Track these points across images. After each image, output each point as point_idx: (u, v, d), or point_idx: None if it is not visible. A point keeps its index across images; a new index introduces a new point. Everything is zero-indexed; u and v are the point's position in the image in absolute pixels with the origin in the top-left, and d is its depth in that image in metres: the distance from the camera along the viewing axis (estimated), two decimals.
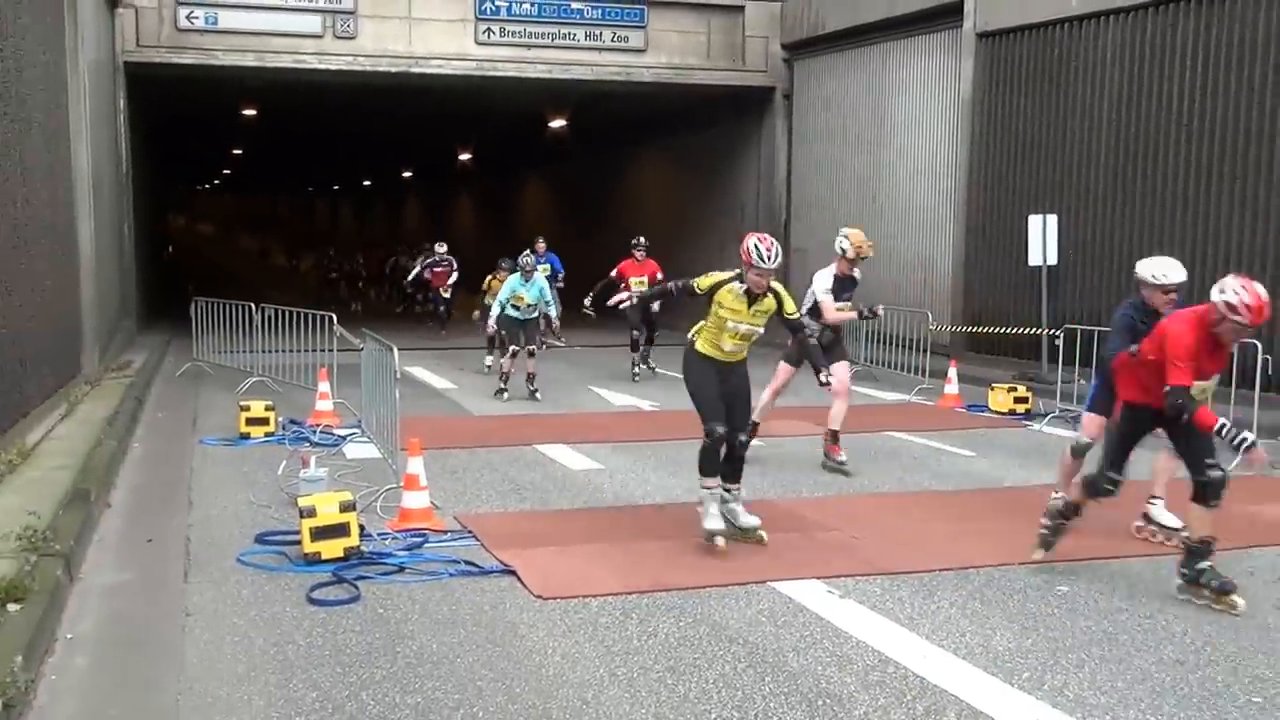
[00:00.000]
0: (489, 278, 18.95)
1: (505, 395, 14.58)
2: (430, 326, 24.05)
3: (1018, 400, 13.57)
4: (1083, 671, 5.53)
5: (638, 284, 16.06)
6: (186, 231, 79.35)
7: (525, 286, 14.64)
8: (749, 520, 7.70)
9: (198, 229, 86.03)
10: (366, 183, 59.17)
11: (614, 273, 16.53)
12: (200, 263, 50.61)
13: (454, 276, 24.10)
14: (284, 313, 14.96)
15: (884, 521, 8.38)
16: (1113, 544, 7.78)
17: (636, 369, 16.88)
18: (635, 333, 16.84)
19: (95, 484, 8.48)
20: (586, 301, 15.35)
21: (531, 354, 14.73)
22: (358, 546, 7.09)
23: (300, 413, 12.37)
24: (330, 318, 14.18)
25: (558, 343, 18.79)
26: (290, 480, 8.85)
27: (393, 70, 21.46)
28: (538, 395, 14.54)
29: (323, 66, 21.08)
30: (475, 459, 10.52)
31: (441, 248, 24.56)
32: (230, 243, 78.63)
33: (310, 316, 14.53)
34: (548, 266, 19.64)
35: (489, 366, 17.10)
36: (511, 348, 14.81)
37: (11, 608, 5.68)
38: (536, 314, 14.90)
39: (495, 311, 14.91)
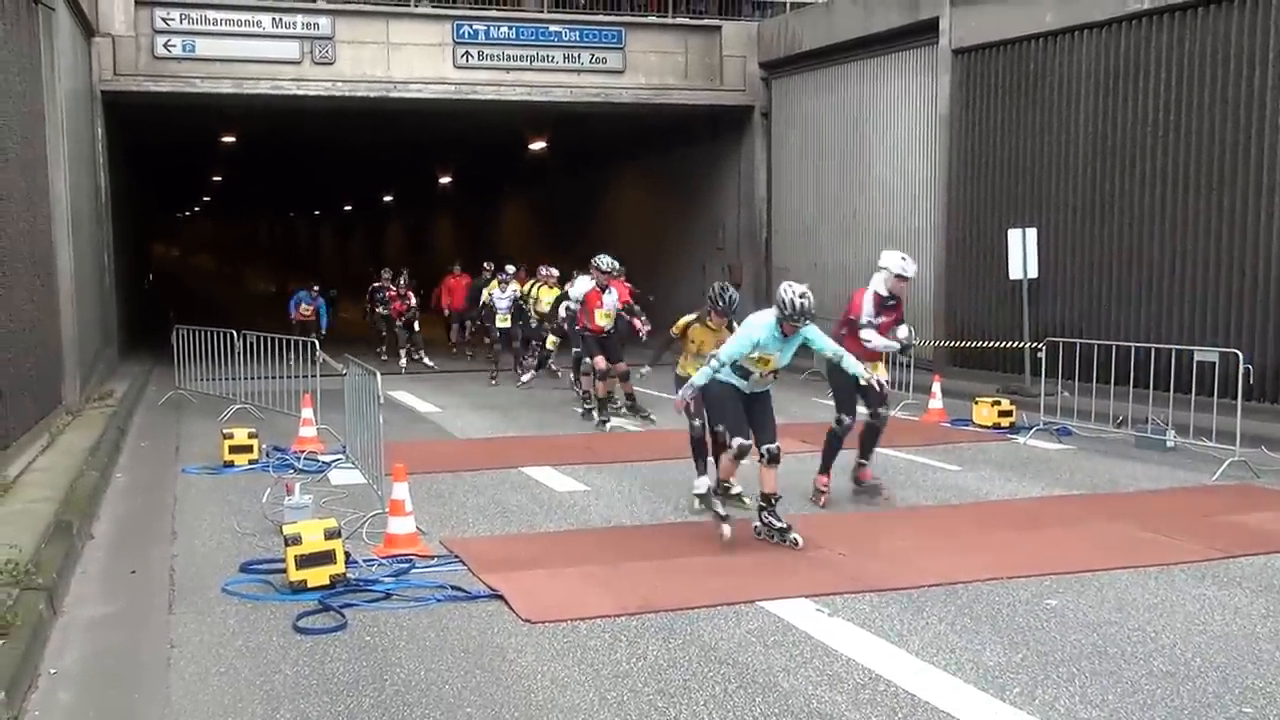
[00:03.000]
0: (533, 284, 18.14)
1: (728, 533, 8.19)
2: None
3: (1002, 414, 13.60)
4: (1073, 685, 5.52)
5: None
6: (168, 259, 79.03)
7: (783, 342, 8.22)
8: None
9: (176, 255, 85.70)
10: (348, 207, 59.15)
11: None
12: (181, 290, 50.39)
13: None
14: (266, 339, 14.89)
15: (871, 538, 8.37)
16: (1100, 556, 7.79)
17: None
18: None
19: (78, 516, 8.42)
20: None
21: (775, 457, 8.25)
22: (344, 574, 7.05)
23: (284, 439, 12.30)
24: (313, 343, 14.10)
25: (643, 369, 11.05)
26: (275, 508, 8.78)
27: (371, 95, 21.47)
28: (796, 539, 8.07)
29: (301, 92, 21.07)
30: (461, 482, 10.48)
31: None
32: (211, 269, 78.34)
33: (292, 343, 14.46)
34: None
35: (704, 499, 9.17)
36: (737, 442, 8.21)
37: None
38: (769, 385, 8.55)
39: (702, 378, 8.20)
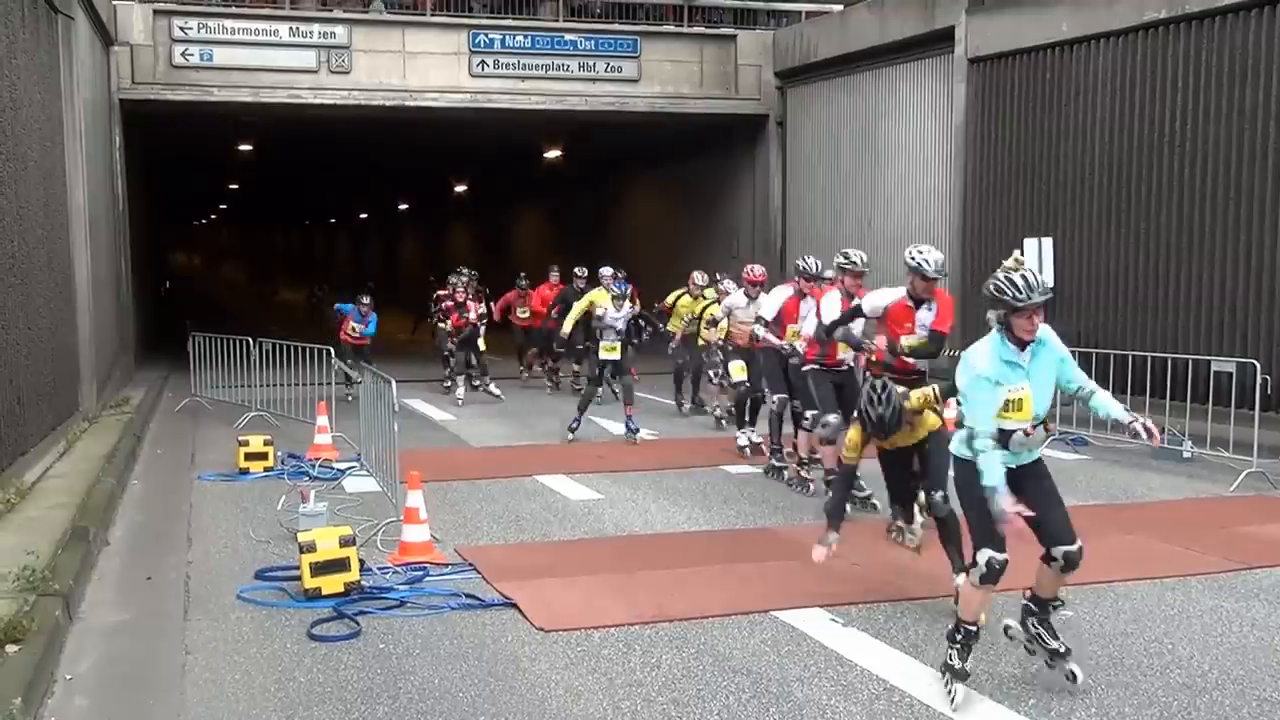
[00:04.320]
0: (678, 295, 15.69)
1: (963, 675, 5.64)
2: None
3: None
4: (1089, 697, 5.49)
5: None
6: (186, 267, 79.36)
7: (1023, 360, 5.56)
8: None
9: (195, 263, 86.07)
10: (363, 215, 59.34)
11: None
12: (196, 296, 50.58)
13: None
14: (282, 347, 14.94)
15: (885, 547, 8.34)
16: (1116, 567, 7.75)
17: None
18: None
19: (94, 522, 8.45)
20: None
21: (1073, 563, 5.74)
22: (358, 581, 7.06)
23: (299, 447, 12.33)
24: (328, 350, 14.13)
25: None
26: (290, 515, 8.81)
27: (387, 104, 21.53)
28: (1074, 671, 5.63)
29: (318, 101, 21.15)
30: (475, 491, 10.49)
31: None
32: (225, 277, 78.65)
33: (308, 350, 14.50)
34: None
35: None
36: (986, 556, 5.61)
37: (10, 648, 5.65)
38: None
39: (991, 466, 5.39)
